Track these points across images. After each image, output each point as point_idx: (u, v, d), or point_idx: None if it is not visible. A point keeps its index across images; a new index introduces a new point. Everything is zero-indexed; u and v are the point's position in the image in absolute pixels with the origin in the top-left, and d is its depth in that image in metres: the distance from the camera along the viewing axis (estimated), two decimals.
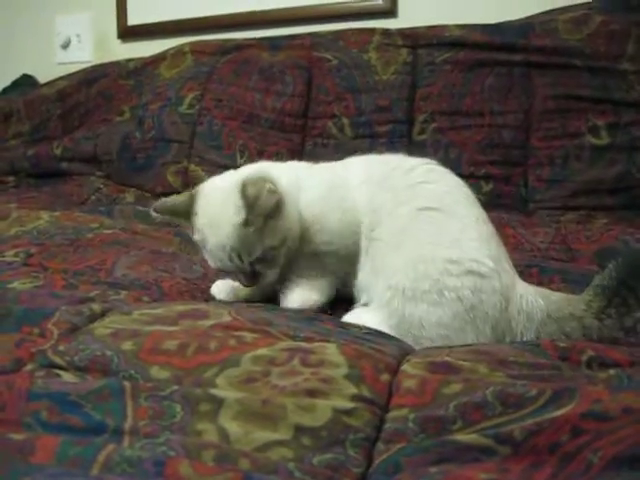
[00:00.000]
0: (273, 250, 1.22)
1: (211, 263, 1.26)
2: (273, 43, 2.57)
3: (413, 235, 1.21)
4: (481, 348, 1.05)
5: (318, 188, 1.33)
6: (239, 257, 1.20)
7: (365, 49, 2.38)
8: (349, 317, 1.23)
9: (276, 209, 1.19)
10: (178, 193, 2.33)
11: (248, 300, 1.34)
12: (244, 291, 1.35)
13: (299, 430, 0.75)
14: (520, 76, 2.20)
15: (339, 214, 1.30)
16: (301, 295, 1.29)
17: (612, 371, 0.94)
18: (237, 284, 1.32)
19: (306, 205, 1.29)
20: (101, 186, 2.56)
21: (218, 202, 1.23)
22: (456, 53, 2.27)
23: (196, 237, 1.26)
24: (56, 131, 2.81)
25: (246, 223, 1.17)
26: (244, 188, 1.17)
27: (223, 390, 0.82)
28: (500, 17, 2.34)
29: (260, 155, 2.35)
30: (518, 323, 1.17)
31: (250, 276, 1.24)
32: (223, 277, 1.39)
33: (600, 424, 0.73)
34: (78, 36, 3.15)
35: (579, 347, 1.04)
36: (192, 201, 1.27)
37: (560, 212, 2.07)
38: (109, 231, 1.79)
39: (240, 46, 2.60)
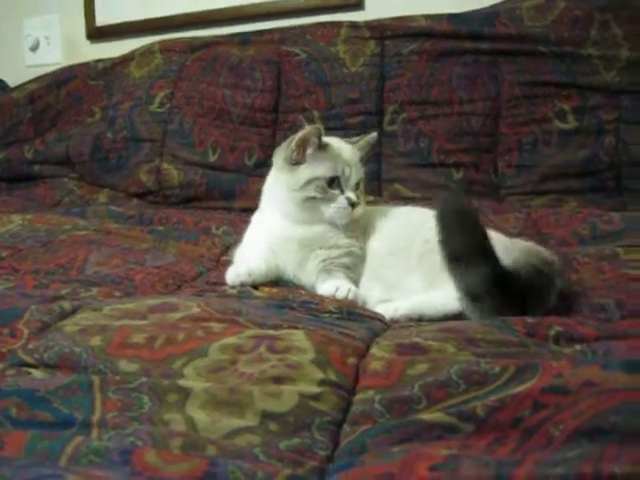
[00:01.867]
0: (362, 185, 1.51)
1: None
2: (242, 39, 2.57)
3: None
4: (450, 326, 1.07)
5: None
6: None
7: (333, 42, 2.39)
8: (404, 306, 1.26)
9: None
10: (151, 192, 2.38)
11: (261, 284, 1.38)
12: (259, 275, 1.40)
13: (266, 416, 0.76)
14: (487, 64, 2.21)
15: None
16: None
17: (578, 346, 0.97)
18: (253, 268, 1.39)
19: None
20: (74, 188, 2.55)
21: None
22: (423, 43, 2.28)
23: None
24: (27, 134, 2.78)
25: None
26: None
27: (191, 380, 0.83)
28: (465, 6, 2.35)
29: (232, 151, 2.35)
30: None
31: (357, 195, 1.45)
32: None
33: (560, 398, 0.74)
34: (47, 38, 3.12)
35: (547, 322, 1.06)
36: None
37: (530, 197, 2.10)
38: (82, 232, 1.79)
39: (209, 43, 2.59)
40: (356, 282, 1.40)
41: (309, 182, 1.44)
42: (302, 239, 1.44)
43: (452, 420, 0.74)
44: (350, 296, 1.32)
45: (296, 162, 1.46)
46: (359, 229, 1.48)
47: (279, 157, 1.51)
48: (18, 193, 2.56)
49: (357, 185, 1.47)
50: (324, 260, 1.42)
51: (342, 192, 1.44)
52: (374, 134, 1.56)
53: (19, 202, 2.41)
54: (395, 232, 1.44)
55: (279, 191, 1.49)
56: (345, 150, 1.48)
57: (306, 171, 1.45)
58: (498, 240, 1.32)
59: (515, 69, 2.18)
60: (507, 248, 1.29)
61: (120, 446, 0.69)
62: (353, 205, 1.43)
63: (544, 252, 1.29)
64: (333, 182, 1.43)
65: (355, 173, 1.45)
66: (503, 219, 1.87)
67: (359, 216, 1.46)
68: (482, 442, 0.71)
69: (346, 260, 1.42)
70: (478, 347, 0.96)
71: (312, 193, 1.44)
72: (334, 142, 1.50)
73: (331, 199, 1.43)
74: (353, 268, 1.41)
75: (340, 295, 1.31)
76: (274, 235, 1.46)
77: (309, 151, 1.45)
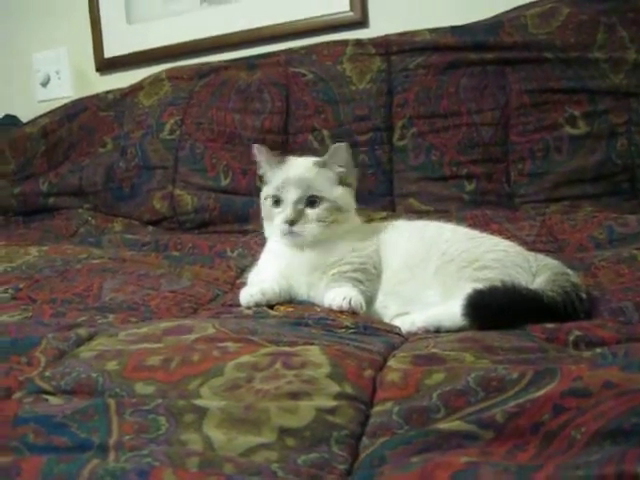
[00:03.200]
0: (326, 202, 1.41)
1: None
2: (249, 63, 2.59)
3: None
4: (468, 335, 1.06)
5: None
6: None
7: (339, 61, 2.40)
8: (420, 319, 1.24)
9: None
10: (166, 219, 2.39)
11: (277, 303, 1.37)
12: (273, 295, 1.38)
13: (283, 432, 0.75)
14: (493, 74, 2.21)
15: None
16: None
17: (598, 349, 0.95)
18: (265, 288, 1.38)
19: None
20: (89, 218, 2.57)
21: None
22: (429, 57, 2.29)
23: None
24: (41, 168, 2.81)
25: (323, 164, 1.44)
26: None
27: (207, 400, 0.83)
28: (469, 18, 2.35)
29: (244, 174, 2.36)
30: None
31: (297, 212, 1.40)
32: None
33: (581, 400, 0.73)
34: (57, 72, 3.16)
35: (566, 327, 1.06)
36: None
37: (545, 204, 2.08)
38: (97, 260, 1.80)
39: (216, 68, 2.61)
40: (370, 298, 1.38)
41: (263, 201, 1.48)
42: (308, 262, 1.42)
43: (471, 428, 0.73)
44: (353, 304, 1.29)
45: (263, 182, 1.50)
46: (372, 246, 1.45)
47: None
48: (35, 226, 2.58)
49: (310, 203, 1.41)
50: (334, 274, 1.40)
51: (284, 210, 1.42)
52: (340, 144, 1.45)
53: (36, 234, 2.44)
54: (411, 247, 1.41)
55: None
56: (294, 167, 1.46)
57: (264, 191, 1.49)
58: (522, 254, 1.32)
59: (522, 77, 2.17)
60: (528, 260, 1.30)
61: (137, 467, 0.68)
62: (289, 223, 1.39)
63: (571, 274, 1.28)
64: (279, 201, 1.43)
65: (296, 190, 1.40)
66: (518, 227, 1.86)
67: (308, 234, 1.40)
68: (502, 449, 0.70)
69: (357, 275, 1.39)
70: (497, 355, 0.96)
71: (263, 212, 1.48)
72: (291, 160, 1.50)
73: (274, 217, 1.43)
74: (366, 283, 1.39)
75: (343, 304, 1.30)
76: (281, 260, 1.45)
77: (264, 170, 1.49)
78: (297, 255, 1.44)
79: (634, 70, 2.08)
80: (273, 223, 1.43)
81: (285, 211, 1.40)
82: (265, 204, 1.47)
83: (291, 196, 1.41)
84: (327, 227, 1.41)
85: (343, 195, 1.45)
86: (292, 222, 1.39)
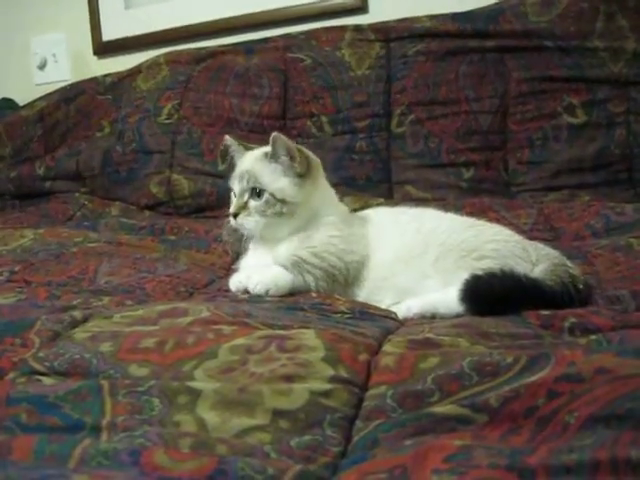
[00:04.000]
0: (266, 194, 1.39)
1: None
2: (247, 48, 2.58)
3: None
4: (463, 321, 1.06)
5: None
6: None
7: (338, 46, 2.39)
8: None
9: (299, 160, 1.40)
10: (163, 203, 2.39)
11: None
12: None
13: (276, 414, 0.75)
14: (493, 61, 2.21)
15: None
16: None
17: (593, 336, 0.95)
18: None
19: None
20: (85, 202, 2.56)
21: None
22: (428, 44, 2.28)
23: None
24: (38, 151, 2.80)
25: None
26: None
27: (201, 382, 0.83)
28: (469, 5, 2.34)
29: None
30: None
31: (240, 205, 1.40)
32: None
33: (574, 386, 0.73)
34: (54, 56, 3.14)
35: (562, 314, 1.06)
36: None
37: (543, 193, 2.08)
38: (93, 244, 1.79)
39: (214, 53, 2.60)
40: (327, 291, 1.33)
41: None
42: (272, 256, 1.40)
43: (465, 412, 0.73)
44: (272, 292, 1.28)
45: None
46: (357, 241, 1.41)
47: None
48: (31, 209, 2.57)
49: (257, 195, 1.39)
50: (291, 257, 1.36)
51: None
52: (274, 134, 1.38)
53: (32, 218, 2.42)
54: (406, 240, 1.38)
55: None
56: (245, 160, 1.46)
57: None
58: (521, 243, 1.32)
59: (522, 65, 2.17)
60: (527, 250, 1.29)
61: (129, 447, 0.68)
62: (234, 215, 1.40)
63: (570, 266, 1.28)
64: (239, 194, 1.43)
65: (240, 183, 1.41)
66: (515, 215, 1.86)
67: (249, 227, 1.40)
68: (496, 432, 0.70)
69: (315, 260, 1.34)
70: (492, 341, 0.96)
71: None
72: (247, 153, 1.49)
73: None
74: (320, 282, 1.33)
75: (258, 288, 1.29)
76: (261, 249, 1.45)
77: (235, 161, 1.51)
78: (273, 245, 1.42)
79: (633, 59, 2.08)
80: None
81: (231, 204, 1.43)
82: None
83: (236, 188, 1.42)
84: (270, 219, 1.39)
85: (288, 187, 1.40)
86: (235, 214, 1.40)
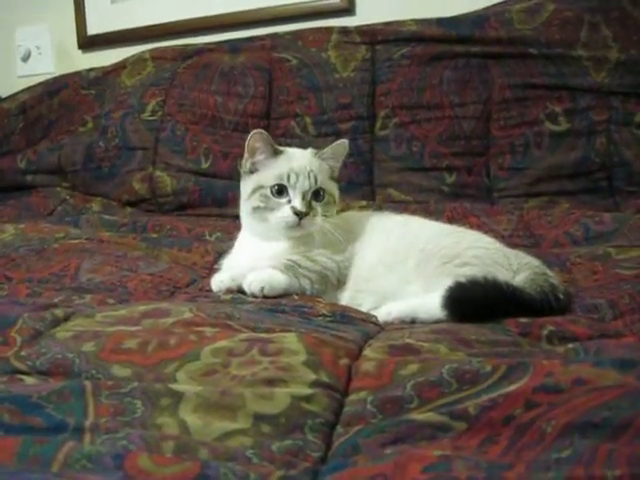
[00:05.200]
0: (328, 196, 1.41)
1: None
2: (233, 46, 2.58)
3: None
4: (443, 327, 1.07)
5: None
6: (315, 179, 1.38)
7: (324, 48, 2.40)
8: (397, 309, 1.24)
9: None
10: (145, 200, 2.38)
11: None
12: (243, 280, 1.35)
13: (258, 418, 0.76)
14: (477, 67, 2.23)
15: None
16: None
17: (571, 345, 0.97)
18: (235, 274, 1.36)
19: None
20: (67, 197, 2.55)
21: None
22: (414, 48, 2.29)
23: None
24: (20, 144, 2.78)
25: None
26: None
27: (183, 384, 0.83)
28: (455, 10, 2.36)
29: (225, 157, 2.36)
30: None
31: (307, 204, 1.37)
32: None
33: (552, 396, 0.75)
34: (38, 48, 3.12)
35: (540, 322, 1.07)
36: None
37: (523, 199, 2.11)
38: (75, 240, 1.79)
39: (200, 50, 2.60)
40: (321, 293, 1.35)
41: (255, 191, 1.40)
42: (270, 258, 1.38)
43: (444, 419, 0.74)
44: (267, 292, 1.28)
45: (250, 170, 1.44)
46: (345, 241, 1.42)
47: (241, 167, 1.49)
48: (11, 203, 2.55)
49: (315, 195, 1.39)
50: (287, 261, 1.35)
51: (289, 202, 1.37)
52: (344, 141, 1.46)
53: (13, 212, 2.41)
54: (390, 243, 1.39)
55: (240, 203, 1.48)
56: (297, 158, 1.42)
57: (254, 179, 1.42)
58: (502, 251, 1.33)
59: (506, 72, 2.19)
60: (509, 258, 1.31)
61: (113, 451, 0.69)
62: (299, 215, 1.35)
63: (551, 275, 1.29)
64: (282, 191, 1.37)
65: (305, 181, 1.36)
66: (495, 221, 1.88)
67: (314, 229, 1.38)
68: (474, 440, 0.71)
69: (311, 275, 1.34)
70: (471, 348, 0.97)
71: (256, 202, 1.39)
72: (289, 150, 1.46)
73: (276, 208, 1.37)
74: (315, 285, 1.34)
75: (256, 290, 1.28)
76: (249, 253, 1.44)
77: (259, 158, 1.42)
78: (267, 246, 1.42)
79: (616, 69, 2.10)
80: (273, 213, 1.38)
81: (294, 202, 1.36)
82: (262, 193, 1.39)
83: (301, 187, 1.36)
84: (324, 221, 1.38)
85: (336, 189, 1.46)
86: (303, 214, 1.35)
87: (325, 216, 1.39)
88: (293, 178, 1.36)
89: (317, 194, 1.39)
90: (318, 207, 1.39)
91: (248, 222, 1.46)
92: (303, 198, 1.36)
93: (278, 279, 1.30)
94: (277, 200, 1.37)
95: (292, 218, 1.36)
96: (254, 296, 1.27)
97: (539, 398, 0.75)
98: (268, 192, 1.38)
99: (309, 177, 1.37)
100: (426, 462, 0.65)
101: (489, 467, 0.65)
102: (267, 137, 1.41)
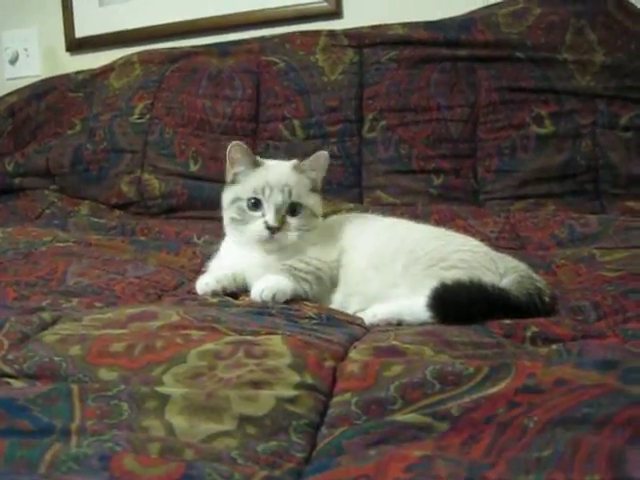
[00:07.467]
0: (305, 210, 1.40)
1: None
2: (221, 49, 2.58)
3: None
4: (428, 329, 1.08)
5: None
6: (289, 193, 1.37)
7: (312, 51, 2.41)
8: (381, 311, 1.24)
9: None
10: (133, 203, 2.38)
11: (232, 293, 1.36)
12: (229, 283, 1.37)
13: (243, 420, 0.77)
14: (464, 70, 2.24)
15: None
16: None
17: (554, 346, 0.98)
18: (220, 276, 1.37)
19: None
20: (55, 200, 2.54)
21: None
22: (401, 51, 2.31)
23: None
24: (7, 147, 2.77)
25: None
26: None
27: (169, 387, 0.84)
28: (442, 14, 2.38)
29: (213, 160, 2.36)
30: None
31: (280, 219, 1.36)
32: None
33: (533, 397, 0.76)
34: (26, 50, 3.12)
35: (523, 323, 1.08)
36: None
37: (510, 202, 2.12)
38: (62, 244, 1.79)
39: (188, 53, 2.61)
40: (318, 298, 1.35)
41: (233, 202, 1.41)
42: (265, 262, 1.38)
43: (427, 420, 0.75)
44: (277, 298, 1.27)
45: (232, 181, 1.44)
46: (331, 244, 1.43)
47: (225, 176, 1.48)
48: None
49: (290, 209, 1.38)
50: (283, 267, 1.35)
51: (263, 215, 1.37)
52: (323, 152, 1.44)
53: (0, 215, 2.40)
54: (378, 246, 1.39)
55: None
56: (274, 172, 1.41)
57: (233, 190, 1.42)
58: (489, 254, 1.34)
59: (492, 75, 2.21)
60: (495, 262, 1.31)
61: (99, 452, 0.69)
62: (271, 230, 1.35)
63: (537, 279, 1.29)
64: (257, 205, 1.37)
65: (279, 196, 1.36)
66: (482, 223, 1.89)
67: (287, 243, 1.37)
68: (457, 440, 0.72)
69: (308, 277, 1.34)
70: (455, 349, 0.98)
71: (234, 214, 1.40)
72: (268, 163, 1.45)
73: (250, 222, 1.38)
74: (314, 287, 1.34)
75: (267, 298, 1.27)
76: (234, 259, 1.44)
77: (239, 169, 1.42)
78: (252, 255, 1.41)
79: (601, 73, 2.13)
80: (248, 226, 1.38)
81: (267, 216, 1.36)
82: (238, 205, 1.39)
83: (274, 201, 1.36)
84: (302, 235, 1.39)
85: (317, 202, 1.44)
86: (277, 228, 1.35)
87: (302, 230, 1.38)
88: (267, 192, 1.36)
89: (293, 208, 1.38)
90: (293, 221, 1.38)
91: (228, 231, 1.46)
92: (277, 212, 1.36)
93: (285, 284, 1.30)
94: (252, 214, 1.38)
95: (265, 232, 1.36)
96: (265, 304, 1.26)
97: (520, 399, 0.76)
98: (244, 205, 1.38)
99: (283, 191, 1.36)
100: (408, 462, 0.66)
101: (470, 466, 0.65)
102: (246, 149, 1.41)
